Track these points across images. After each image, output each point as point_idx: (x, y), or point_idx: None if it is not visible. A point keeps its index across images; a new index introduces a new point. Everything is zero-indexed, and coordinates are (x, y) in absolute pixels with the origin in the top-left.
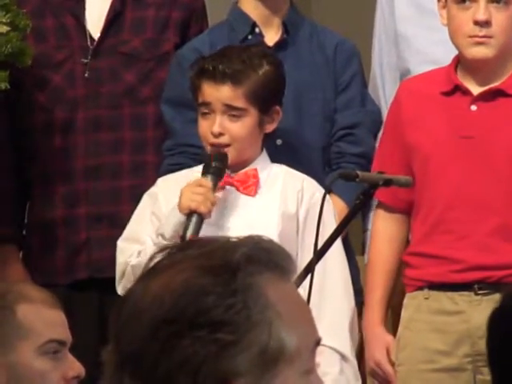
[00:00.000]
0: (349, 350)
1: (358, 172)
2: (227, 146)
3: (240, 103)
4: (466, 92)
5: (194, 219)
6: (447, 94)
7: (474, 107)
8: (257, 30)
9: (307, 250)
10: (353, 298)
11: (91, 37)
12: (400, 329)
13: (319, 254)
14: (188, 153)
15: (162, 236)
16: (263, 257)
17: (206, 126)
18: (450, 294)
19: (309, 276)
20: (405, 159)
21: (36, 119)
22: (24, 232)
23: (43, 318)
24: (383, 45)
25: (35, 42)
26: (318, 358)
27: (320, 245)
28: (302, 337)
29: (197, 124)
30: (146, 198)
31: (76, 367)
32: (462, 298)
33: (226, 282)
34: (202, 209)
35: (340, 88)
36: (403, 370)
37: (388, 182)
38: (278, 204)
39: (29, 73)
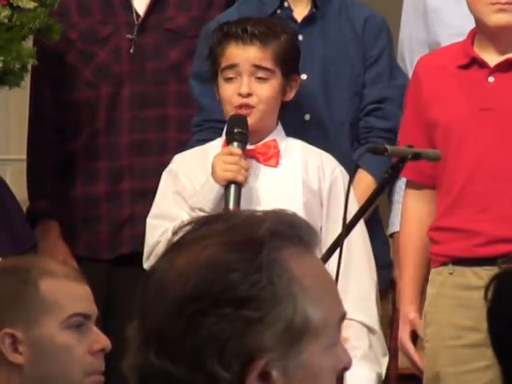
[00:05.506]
0: (376, 322)
1: (387, 146)
2: (253, 107)
3: (268, 64)
4: (483, 64)
5: (233, 190)
6: (464, 67)
7: (491, 79)
8: (285, 4)
9: (333, 222)
10: (375, 270)
11: (137, 13)
12: (426, 304)
13: (348, 227)
14: (216, 128)
15: (202, 211)
16: (287, 231)
17: (232, 90)
18: (474, 268)
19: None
20: (428, 135)
21: (81, 94)
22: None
23: (67, 292)
24: (412, 19)
25: (80, 17)
26: (347, 332)
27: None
28: (327, 311)
29: None
30: (165, 177)
31: (101, 340)
32: (486, 273)
33: (251, 258)
34: (239, 178)
35: (369, 62)
36: (430, 347)
37: (417, 156)
38: (299, 175)
39: (74, 47)
